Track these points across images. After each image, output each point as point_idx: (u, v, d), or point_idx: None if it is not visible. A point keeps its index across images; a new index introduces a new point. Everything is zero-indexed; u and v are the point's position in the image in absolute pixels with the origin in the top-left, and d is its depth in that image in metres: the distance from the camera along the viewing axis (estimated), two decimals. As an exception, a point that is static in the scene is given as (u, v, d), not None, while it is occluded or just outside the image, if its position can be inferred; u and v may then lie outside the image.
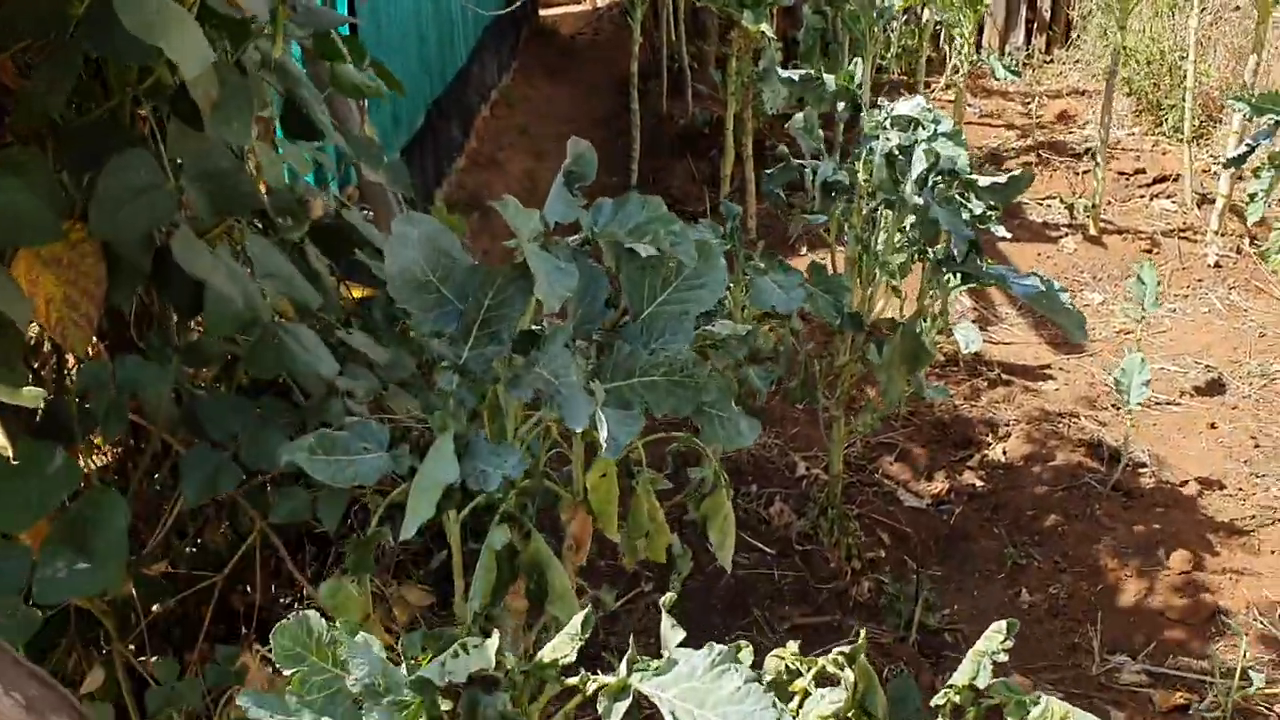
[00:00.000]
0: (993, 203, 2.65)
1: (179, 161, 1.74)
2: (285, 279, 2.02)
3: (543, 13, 10.34)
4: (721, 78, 5.18)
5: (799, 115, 2.67)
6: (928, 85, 6.97)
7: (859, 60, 2.84)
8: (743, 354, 2.30)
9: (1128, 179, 5.35)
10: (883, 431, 3.44)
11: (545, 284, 1.67)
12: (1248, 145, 3.63)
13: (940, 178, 2.68)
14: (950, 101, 5.96)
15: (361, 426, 1.71)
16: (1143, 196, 5.19)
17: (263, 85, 2.03)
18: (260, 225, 2.28)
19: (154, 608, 2.03)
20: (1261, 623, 2.68)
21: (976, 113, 6.77)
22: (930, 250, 2.77)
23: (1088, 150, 5.61)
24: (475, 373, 1.75)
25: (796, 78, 2.76)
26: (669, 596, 1.46)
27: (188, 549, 2.29)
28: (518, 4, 8.07)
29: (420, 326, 1.75)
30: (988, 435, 3.47)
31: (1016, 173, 2.62)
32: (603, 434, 1.63)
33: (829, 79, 2.77)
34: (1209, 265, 4.45)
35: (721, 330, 2.13)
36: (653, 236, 1.89)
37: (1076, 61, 7.42)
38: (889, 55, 7.18)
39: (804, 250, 4.70)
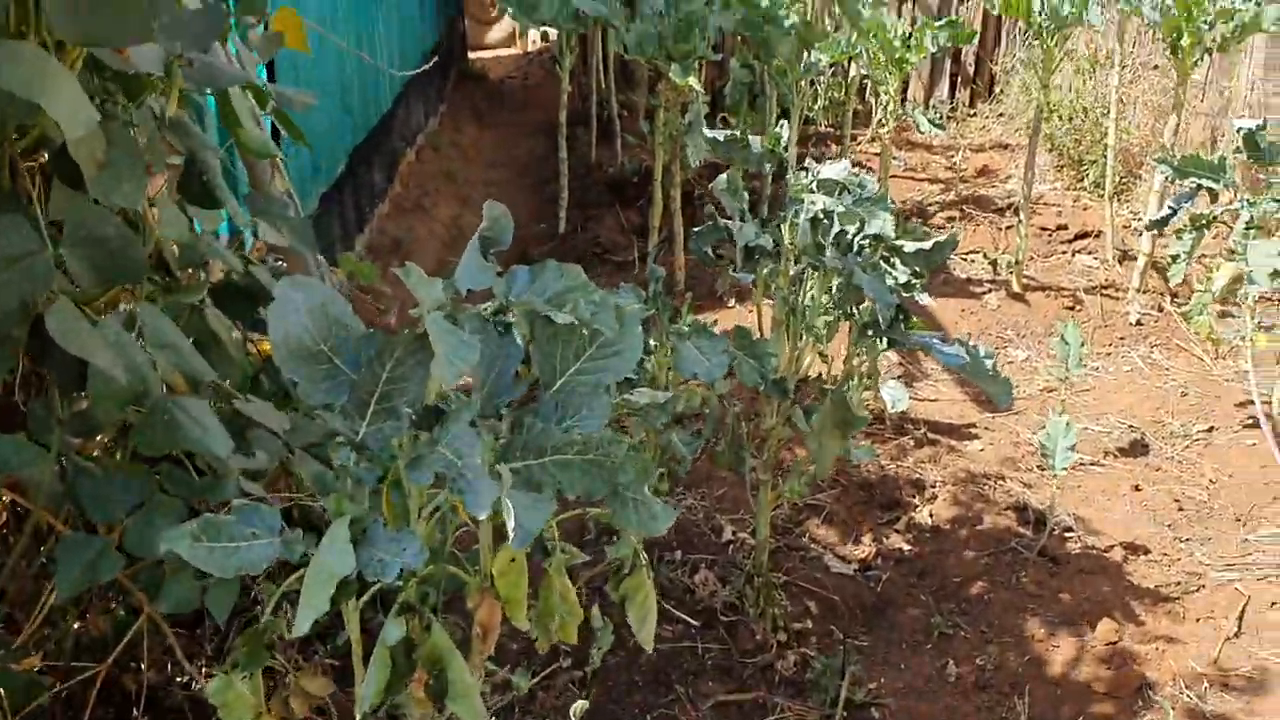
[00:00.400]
0: (918, 268, 2.62)
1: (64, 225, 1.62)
2: (178, 349, 1.89)
3: (472, 56, 10.28)
4: (650, 129, 5.14)
5: (722, 177, 2.62)
6: (854, 138, 7.02)
7: (785, 123, 2.80)
8: (662, 422, 2.22)
9: (1050, 234, 5.40)
10: (810, 493, 3.37)
11: (445, 359, 1.56)
12: (1170, 208, 3.67)
13: (866, 242, 2.64)
14: (877, 154, 5.99)
15: (250, 510, 1.59)
16: (1065, 252, 5.24)
17: (159, 143, 1.92)
18: (164, 283, 2.16)
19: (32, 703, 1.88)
20: (1188, 695, 2.64)
21: (901, 165, 6.82)
22: (856, 312, 2.73)
23: (1010, 205, 5.66)
24: (373, 450, 1.65)
25: (722, 138, 2.71)
26: (579, 705, 1.36)
27: (73, 630, 2.14)
28: (442, 51, 8.00)
29: (310, 398, 1.64)
30: (914, 497, 3.42)
31: (941, 238, 2.58)
32: (510, 522, 1.53)
33: (754, 141, 2.73)
34: (1131, 323, 4.48)
35: (640, 399, 2.05)
36: (571, 305, 1.80)
37: (1000, 115, 7.53)
38: (816, 108, 7.25)
39: (732, 302, 4.65)
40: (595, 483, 1.72)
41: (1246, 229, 3.39)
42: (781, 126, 2.80)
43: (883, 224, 2.55)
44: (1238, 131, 3.48)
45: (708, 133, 2.77)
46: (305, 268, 2.84)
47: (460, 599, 1.94)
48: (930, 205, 6.07)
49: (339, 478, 1.66)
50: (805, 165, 2.80)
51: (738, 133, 2.72)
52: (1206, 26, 4.12)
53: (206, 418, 1.85)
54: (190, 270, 2.37)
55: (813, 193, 2.62)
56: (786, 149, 2.85)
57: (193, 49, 1.75)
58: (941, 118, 7.49)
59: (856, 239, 2.61)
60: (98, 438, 2.09)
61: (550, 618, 1.99)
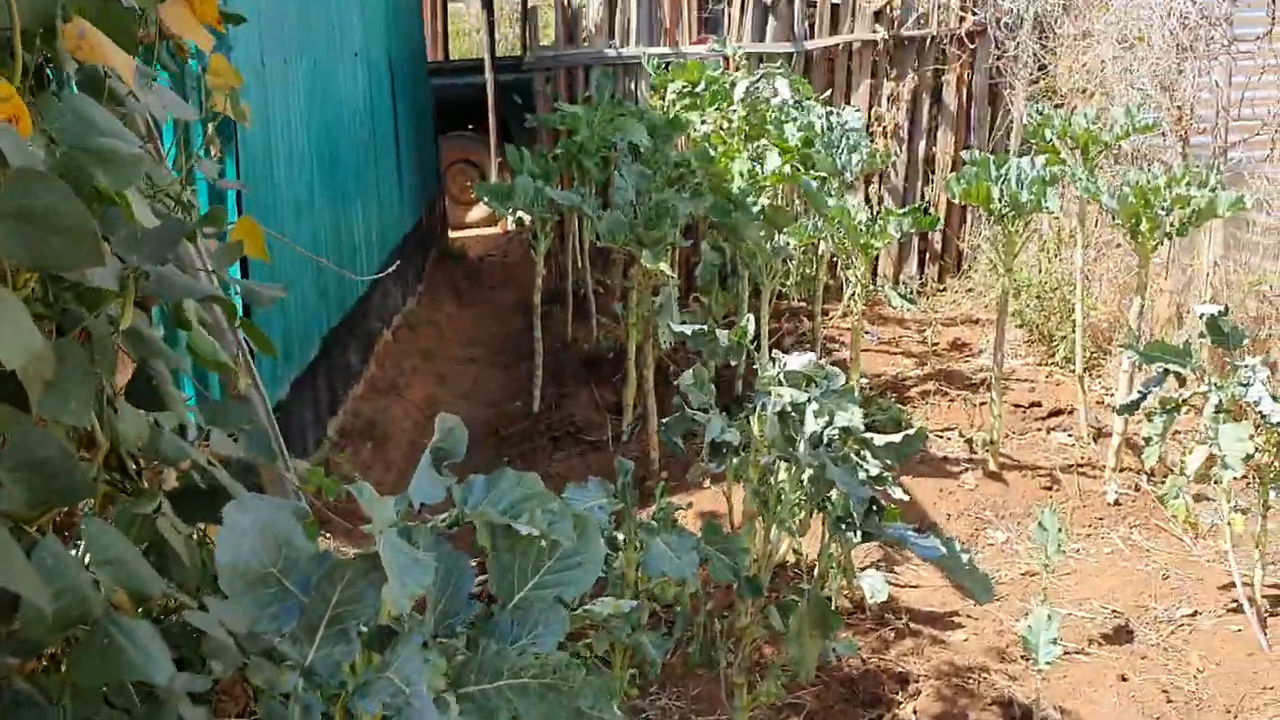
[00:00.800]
0: (889, 461, 2.59)
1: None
2: (124, 564, 1.82)
3: (453, 234, 10.49)
4: (623, 310, 5.19)
5: (688, 373, 2.61)
6: (827, 313, 7.12)
7: (751, 317, 2.83)
8: (625, 633, 2.15)
9: (1024, 411, 5.42)
10: (791, 691, 3.25)
11: (397, 582, 1.51)
12: (1140, 392, 3.68)
13: (836, 434, 2.62)
14: (849, 329, 6.06)
15: (190, 742, 1.51)
16: (1040, 429, 5.25)
17: (113, 353, 1.89)
18: (120, 486, 2.11)
19: None
20: None
21: (875, 340, 6.89)
22: (830, 504, 2.68)
23: (983, 380, 5.69)
24: (323, 676, 1.57)
25: (689, 331, 2.73)
26: None
27: None
28: (422, 232, 8.16)
29: (258, 625, 1.57)
30: (898, 693, 3.30)
31: (911, 431, 2.57)
32: (457, 757, 1.45)
33: (721, 335, 2.74)
34: (1109, 503, 4.45)
35: (602, 609, 1.98)
36: (528, 515, 1.75)
37: (969, 290, 7.67)
38: (790, 284, 7.36)
39: (708, 483, 4.60)
40: (553, 708, 1.64)
41: (1216, 413, 3.40)
42: (748, 320, 2.82)
43: (851, 416, 2.53)
44: (1200, 317, 3.52)
45: (675, 327, 2.78)
46: (273, 474, 2.79)
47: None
48: (905, 380, 6.10)
49: (287, 706, 1.58)
50: (773, 356, 2.80)
51: (704, 326, 2.73)
52: (1164, 213, 4.23)
53: (149, 642, 1.76)
54: (152, 468, 2.33)
55: (780, 385, 2.61)
56: (754, 341, 2.85)
57: (149, 263, 1.75)
58: (912, 293, 7.64)
59: (826, 431, 2.59)
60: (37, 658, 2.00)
61: None
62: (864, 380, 5.95)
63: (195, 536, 2.32)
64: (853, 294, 4.86)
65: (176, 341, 3.04)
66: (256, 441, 2.15)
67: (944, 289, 7.94)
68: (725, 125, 6.10)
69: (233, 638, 2.12)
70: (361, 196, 6.21)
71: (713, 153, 5.47)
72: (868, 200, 7.82)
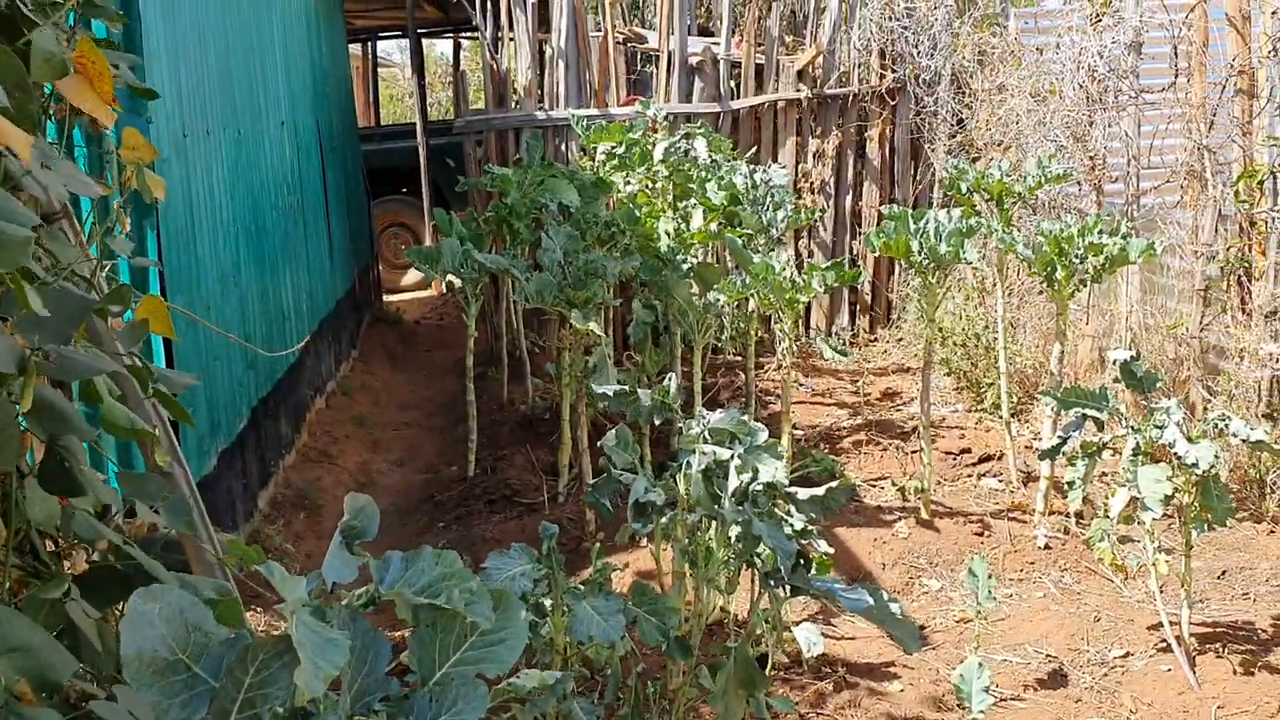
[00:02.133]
0: (814, 514, 2.61)
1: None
2: (30, 651, 1.78)
3: (388, 299, 10.45)
4: (556, 371, 5.20)
5: (611, 434, 2.63)
6: (761, 365, 7.19)
7: (672, 375, 2.85)
8: (551, 705, 2.13)
9: (955, 458, 5.49)
10: (727, 748, 3.23)
11: (310, 664, 1.48)
12: (1059, 437, 3.75)
13: (761, 489, 2.63)
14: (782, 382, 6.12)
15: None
16: (970, 475, 5.32)
17: (17, 437, 1.86)
18: (31, 569, 2.06)
19: None
20: None
21: (809, 391, 6.97)
22: (759, 560, 2.69)
23: (914, 428, 5.77)
24: (235, 764, 1.54)
25: (612, 392, 2.74)
26: None
27: None
28: (355, 297, 8.11)
29: (167, 716, 1.54)
30: (835, 747, 3.30)
31: (834, 484, 2.59)
32: (373, 843, 1.42)
33: (644, 394, 2.76)
34: (1039, 547, 4.51)
35: (527, 682, 1.96)
36: (446, 595, 1.74)
37: (899, 340, 7.80)
38: (724, 338, 7.43)
39: (645, 542, 4.58)
40: (474, 785, 1.62)
41: (1134, 455, 3.47)
42: (670, 379, 2.84)
43: (774, 471, 2.55)
44: (1114, 363, 3.61)
45: (597, 388, 2.80)
46: (194, 542, 2.74)
47: None
48: (839, 430, 6.16)
49: (197, 794, 1.55)
50: (699, 413, 2.82)
51: (626, 387, 2.75)
52: (1078, 260, 4.35)
53: (55, 731, 1.72)
54: (66, 549, 2.28)
55: (704, 443, 2.62)
56: (676, 401, 2.87)
57: (51, 342, 1.73)
58: (844, 344, 7.74)
59: (750, 487, 2.60)
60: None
61: None
62: (798, 432, 6.00)
63: (114, 618, 2.27)
64: (782, 350, 4.92)
65: (98, 418, 2.99)
66: (175, 512, 2.11)
67: (875, 339, 8.06)
68: (650, 185, 6.17)
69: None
70: (290, 265, 6.17)
71: (638, 213, 5.52)
72: (798, 255, 7.94)
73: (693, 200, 5.92)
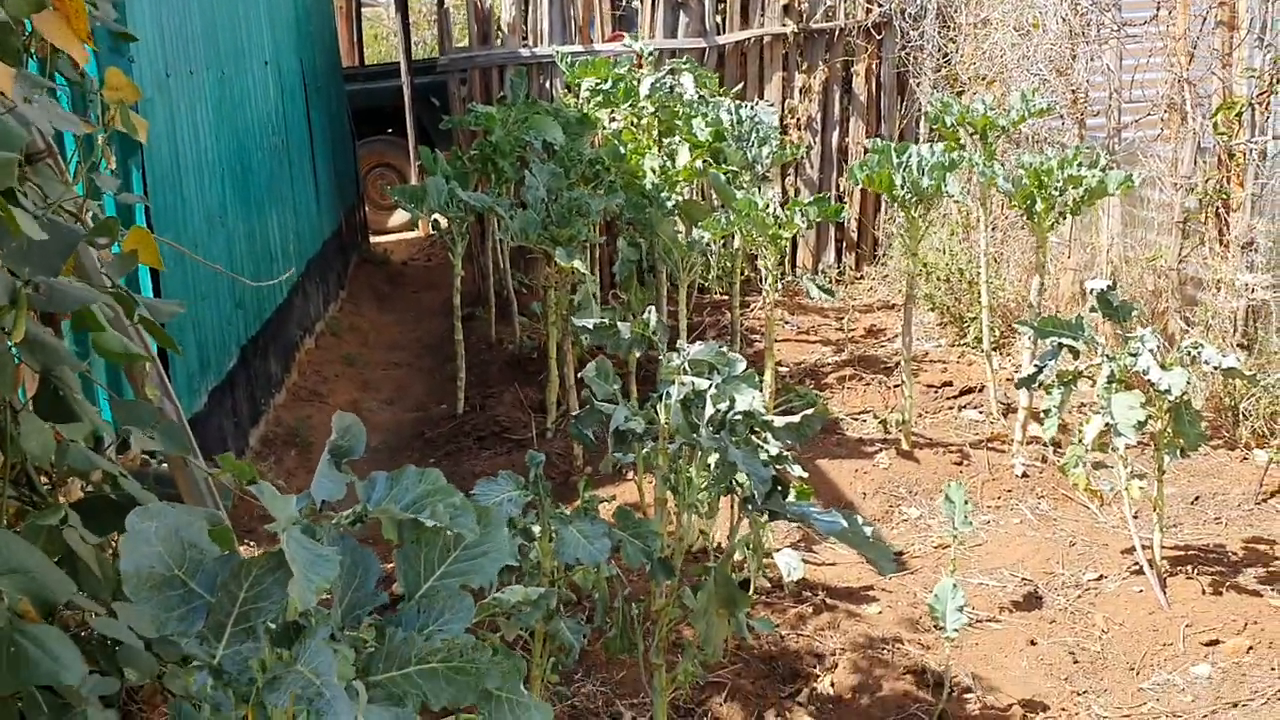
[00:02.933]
0: (789, 441, 2.68)
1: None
2: (29, 573, 1.84)
3: (375, 240, 10.44)
4: (541, 309, 5.25)
5: (591, 365, 2.68)
6: (747, 305, 7.24)
7: (652, 309, 2.90)
8: (535, 619, 2.21)
9: (936, 391, 5.57)
10: (712, 670, 3.34)
11: (302, 578, 1.55)
12: (1036, 366, 3.82)
13: (738, 418, 2.70)
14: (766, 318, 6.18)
15: (101, 742, 1.55)
16: (951, 408, 5.40)
17: (11, 369, 1.91)
18: (28, 499, 2.13)
19: None
20: None
21: (794, 329, 7.03)
22: (738, 486, 2.77)
23: (898, 363, 5.84)
24: (232, 674, 1.61)
25: (591, 326, 2.80)
26: None
27: None
28: (342, 238, 8.11)
29: (165, 627, 1.61)
30: (815, 666, 3.41)
31: (810, 412, 2.66)
32: (364, 741, 1.50)
33: (623, 327, 2.82)
34: (1017, 476, 4.60)
35: (511, 597, 2.04)
36: (431, 510, 1.81)
37: (885, 277, 7.84)
38: (710, 277, 7.47)
39: (631, 475, 4.67)
40: (461, 690, 1.69)
41: (1108, 383, 3.55)
42: (650, 312, 2.89)
43: (751, 400, 2.62)
44: (1090, 292, 3.67)
45: (578, 321, 2.85)
46: (186, 473, 2.80)
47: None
48: (823, 367, 6.23)
49: (197, 705, 1.62)
50: (677, 346, 2.88)
51: (606, 320, 2.80)
52: (1058, 193, 4.39)
53: (59, 646, 1.79)
54: (60, 480, 2.34)
55: (683, 374, 2.69)
56: (655, 333, 2.93)
57: (41, 274, 1.77)
58: (830, 282, 7.78)
59: (729, 416, 2.67)
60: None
61: (427, 833, 1.93)
62: (783, 368, 6.07)
63: (110, 547, 2.34)
64: (765, 289, 4.97)
65: (87, 351, 3.04)
66: (170, 436, 2.17)
67: (861, 277, 8.10)
68: (635, 122, 6.18)
69: (149, 649, 2.15)
70: (276, 205, 6.18)
71: (623, 150, 5.54)
72: (785, 192, 7.95)
73: (678, 137, 5.93)
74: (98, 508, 2.23)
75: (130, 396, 3.74)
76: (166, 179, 4.13)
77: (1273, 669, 3.35)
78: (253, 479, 3.22)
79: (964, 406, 5.40)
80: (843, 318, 7.07)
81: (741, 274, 6.45)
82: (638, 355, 5.57)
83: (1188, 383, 3.50)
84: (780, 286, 7.77)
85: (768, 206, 4.48)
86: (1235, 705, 3.21)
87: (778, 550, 3.78)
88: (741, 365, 2.71)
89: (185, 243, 4.29)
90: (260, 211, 5.77)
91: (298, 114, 7.19)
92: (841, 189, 8.04)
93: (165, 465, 2.84)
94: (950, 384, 5.62)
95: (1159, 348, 3.62)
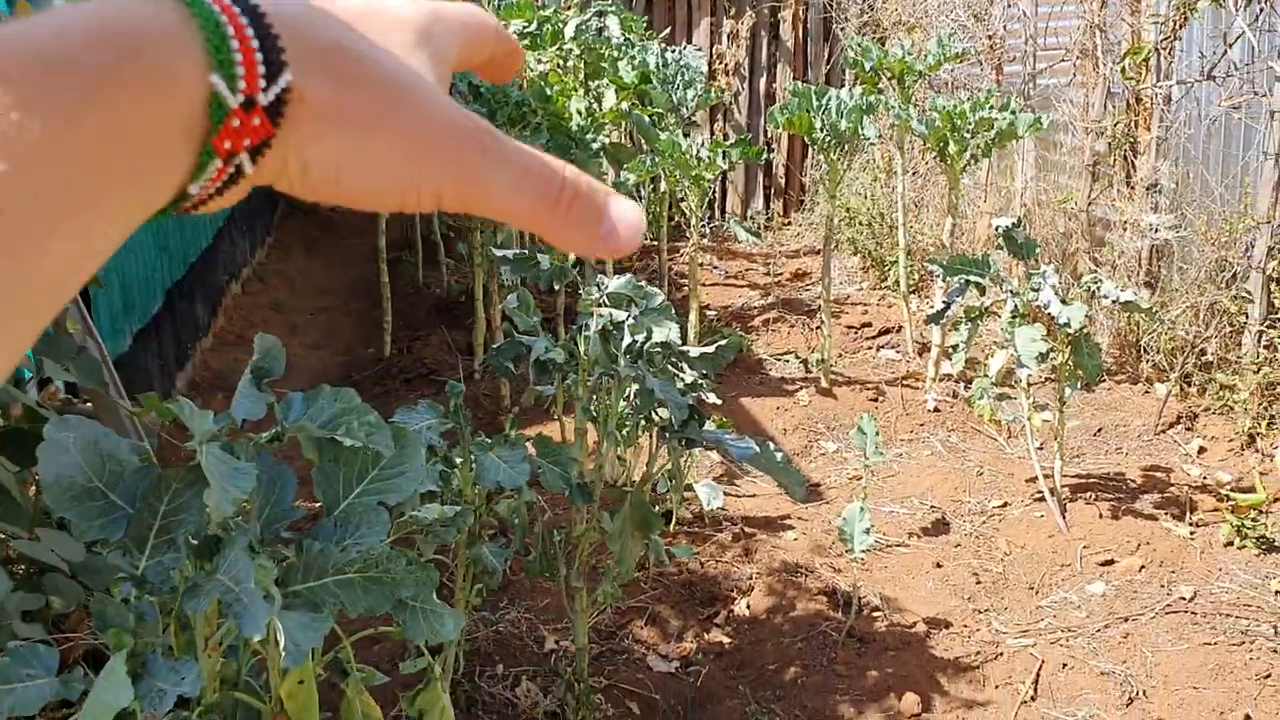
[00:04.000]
0: (705, 370, 2.78)
1: None
2: (-51, 495, 1.89)
3: (302, 186, 10.33)
4: (467, 251, 5.28)
5: (512, 295, 2.75)
6: (675, 250, 7.32)
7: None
8: (453, 537, 2.29)
9: (856, 332, 5.72)
10: (633, 595, 3.46)
11: (219, 489, 1.61)
12: (944, 303, 3.96)
13: (657, 349, 2.79)
14: (699, 265, 6.27)
15: (26, 650, 1.60)
16: (870, 348, 5.55)
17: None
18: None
19: None
20: (986, 757, 2.79)
21: (722, 274, 7.13)
22: (657, 416, 2.86)
23: (821, 306, 5.98)
24: (155, 583, 1.68)
25: (510, 256, 2.85)
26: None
27: None
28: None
29: (86, 535, 1.67)
30: (732, 590, 3.54)
31: (724, 342, 2.76)
32: (282, 641, 1.58)
33: (543, 258, 2.88)
34: (929, 410, 4.77)
35: (428, 515, 2.12)
36: (346, 428, 1.87)
37: (812, 223, 7.97)
38: (638, 222, 7.52)
39: (557, 415, 4.75)
40: (377, 599, 1.77)
41: (1012, 318, 3.70)
42: (570, 256, 2.95)
43: (667, 331, 2.70)
44: (996, 229, 3.81)
45: (496, 251, 2.90)
46: (109, 413, 2.83)
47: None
48: (750, 310, 6.35)
49: (119, 613, 1.68)
50: (598, 281, 2.95)
51: (525, 250, 2.86)
52: (970, 135, 4.52)
53: (-20, 565, 1.84)
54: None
55: (601, 306, 2.76)
56: (577, 265, 3.00)
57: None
58: (759, 227, 7.90)
59: (646, 347, 2.76)
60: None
61: (350, 737, 2.01)
62: (711, 312, 6.18)
63: (31, 482, 2.38)
64: (689, 232, 5.05)
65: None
66: (86, 370, 2.21)
67: (789, 223, 8.23)
68: (562, 64, 6.19)
69: (74, 577, 2.20)
70: (199, 148, 6.11)
71: (549, 92, 5.55)
72: (714, 137, 8.02)
73: (605, 80, 5.96)
74: (17, 438, 2.27)
75: (51, 333, 3.74)
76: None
77: (1162, 586, 3.56)
78: (169, 414, 3.26)
79: (882, 346, 5.56)
80: (770, 262, 7.19)
81: (671, 220, 6.52)
82: (564, 299, 5.64)
83: (1087, 316, 3.66)
84: (707, 231, 7.88)
85: (690, 147, 4.55)
86: (1126, 619, 3.40)
87: (698, 483, 3.91)
88: (660, 298, 2.79)
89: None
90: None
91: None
92: (770, 135, 8.13)
93: (90, 404, 2.87)
94: (870, 325, 5.77)
95: (1061, 283, 3.78)
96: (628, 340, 2.71)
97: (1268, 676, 3.06)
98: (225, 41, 0.39)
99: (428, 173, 0.42)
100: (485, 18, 0.51)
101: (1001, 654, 3.24)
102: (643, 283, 2.92)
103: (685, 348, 2.79)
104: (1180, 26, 4.77)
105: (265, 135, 0.40)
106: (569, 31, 5.95)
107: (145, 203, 0.39)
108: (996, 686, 3.11)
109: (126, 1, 0.38)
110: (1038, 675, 3.12)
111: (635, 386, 2.84)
